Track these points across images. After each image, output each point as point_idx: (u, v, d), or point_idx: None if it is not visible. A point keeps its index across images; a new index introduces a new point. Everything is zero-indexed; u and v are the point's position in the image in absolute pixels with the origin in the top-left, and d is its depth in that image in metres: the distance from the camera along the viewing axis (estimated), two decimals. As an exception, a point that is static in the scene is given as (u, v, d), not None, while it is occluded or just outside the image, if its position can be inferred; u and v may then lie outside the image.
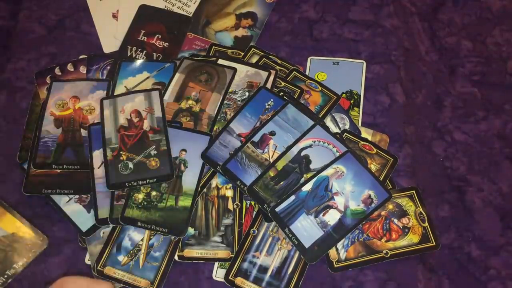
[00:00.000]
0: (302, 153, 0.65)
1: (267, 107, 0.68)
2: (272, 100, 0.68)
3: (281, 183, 0.64)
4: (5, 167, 0.70)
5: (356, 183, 0.63)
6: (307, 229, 0.62)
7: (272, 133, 0.66)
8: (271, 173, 0.64)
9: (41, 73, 0.75)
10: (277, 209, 0.62)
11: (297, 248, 0.61)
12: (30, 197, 0.66)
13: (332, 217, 0.62)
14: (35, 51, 0.79)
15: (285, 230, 0.61)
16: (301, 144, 0.65)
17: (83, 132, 0.68)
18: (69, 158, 0.66)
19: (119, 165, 0.65)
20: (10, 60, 0.78)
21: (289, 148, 0.65)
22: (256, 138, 0.66)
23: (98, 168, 0.65)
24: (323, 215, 0.62)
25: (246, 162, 0.65)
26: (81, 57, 0.77)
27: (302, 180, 0.64)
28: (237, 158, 0.65)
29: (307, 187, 0.63)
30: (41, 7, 0.83)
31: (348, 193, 0.63)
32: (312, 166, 0.64)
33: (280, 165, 0.65)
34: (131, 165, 0.65)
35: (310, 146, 0.65)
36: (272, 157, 0.65)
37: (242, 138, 0.66)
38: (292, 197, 0.63)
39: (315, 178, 0.64)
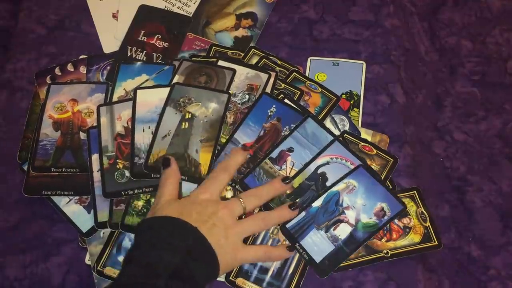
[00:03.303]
0: (319, 171, 0.64)
1: (269, 114, 0.68)
2: (274, 106, 0.68)
3: (297, 200, 0.63)
4: (5, 167, 0.70)
5: (367, 197, 0.63)
6: (317, 243, 0.61)
7: (290, 150, 0.65)
8: (287, 191, 0.64)
9: (41, 73, 0.75)
10: (287, 226, 0.62)
11: (308, 263, 0.61)
12: (30, 197, 0.66)
13: (343, 231, 0.62)
14: (35, 51, 0.79)
15: (295, 245, 0.61)
16: (319, 161, 0.65)
17: (82, 135, 0.68)
18: (68, 161, 0.66)
19: (116, 173, 0.64)
20: (10, 60, 0.78)
21: (306, 165, 0.64)
22: (274, 155, 0.65)
23: (98, 171, 0.65)
24: (334, 230, 0.62)
25: (263, 178, 0.64)
26: (81, 57, 0.77)
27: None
28: (254, 173, 0.64)
29: (317, 203, 0.63)
30: (41, 7, 0.82)
31: (360, 206, 0.63)
32: (328, 184, 0.64)
33: (296, 182, 0.64)
34: (127, 174, 0.64)
35: (328, 163, 0.65)
36: (289, 173, 0.64)
37: (248, 150, 0.66)
38: (303, 213, 0.62)
39: (325, 194, 0.63)
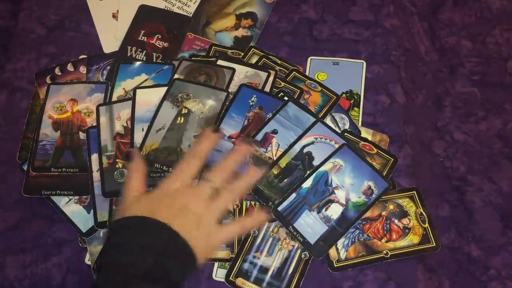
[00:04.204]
0: (305, 150, 0.65)
1: (251, 104, 0.68)
2: (254, 96, 0.68)
3: (285, 180, 0.64)
4: (5, 167, 0.70)
5: (355, 176, 0.64)
6: (310, 225, 0.62)
7: (274, 132, 0.66)
8: (275, 171, 0.64)
9: (41, 73, 0.75)
10: (279, 208, 0.62)
11: (303, 245, 0.61)
12: (30, 197, 0.66)
13: (334, 211, 0.62)
14: (35, 51, 0.79)
15: (289, 228, 0.62)
16: (303, 141, 0.66)
17: (82, 135, 0.68)
18: (68, 161, 0.66)
19: (115, 172, 0.64)
20: (10, 60, 0.78)
21: (291, 145, 0.65)
22: (258, 137, 0.66)
23: (97, 171, 0.65)
24: (326, 210, 0.62)
25: (250, 162, 0.65)
26: (81, 57, 0.77)
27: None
28: None
29: (307, 184, 0.64)
30: (41, 7, 0.82)
31: (348, 186, 0.63)
32: (315, 163, 0.65)
33: (283, 163, 0.65)
34: (127, 173, 0.64)
35: (312, 143, 0.66)
36: (275, 155, 0.65)
37: (233, 140, 0.66)
38: (293, 195, 0.63)
39: (314, 174, 0.64)
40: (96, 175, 0.65)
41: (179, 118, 0.66)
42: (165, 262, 0.50)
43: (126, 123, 0.67)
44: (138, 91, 0.69)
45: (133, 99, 0.68)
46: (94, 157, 0.66)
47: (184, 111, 0.66)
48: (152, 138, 0.65)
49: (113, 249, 0.52)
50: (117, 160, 0.65)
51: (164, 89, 0.68)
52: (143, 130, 0.66)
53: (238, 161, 0.60)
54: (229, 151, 0.62)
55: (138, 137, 0.66)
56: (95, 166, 0.65)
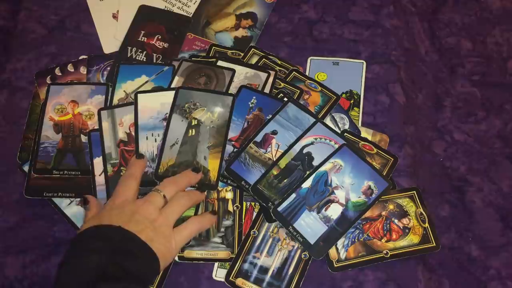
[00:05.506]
0: (305, 150, 0.66)
1: (251, 106, 0.68)
2: (254, 97, 0.69)
3: (285, 180, 0.64)
4: (6, 167, 0.69)
5: (355, 175, 0.64)
6: (310, 225, 0.62)
7: (274, 132, 0.66)
8: (274, 172, 0.64)
9: (41, 73, 0.75)
10: (279, 209, 0.62)
11: (303, 245, 0.61)
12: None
13: (334, 211, 0.62)
14: (35, 51, 0.79)
15: (289, 228, 0.62)
16: (303, 142, 0.66)
17: (83, 138, 0.68)
18: (70, 164, 0.66)
19: None
20: (10, 60, 0.78)
21: (291, 146, 0.65)
22: (258, 138, 0.66)
23: (100, 175, 0.65)
24: (325, 210, 0.63)
25: (249, 162, 0.65)
26: (81, 57, 0.77)
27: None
28: (240, 158, 0.65)
29: (306, 184, 0.64)
30: (41, 7, 0.82)
31: (348, 186, 0.64)
32: (314, 163, 0.65)
33: (282, 163, 0.65)
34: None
35: (312, 143, 0.66)
36: (275, 156, 0.65)
37: (233, 143, 0.66)
38: (293, 195, 0.63)
39: (313, 174, 0.64)
40: (98, 179, 0.65)
41: (190, 131, 0.66)
42: (122, 260, 0.50)
43: (129, 129, 0.67)
44: (139, 96, 0.68)
45: (135, 105, 0.67)
46: (96, 161, 0.66)
47: (194, 122, 0.66)
48: (167, 154, 0.65)
49: (63, 265, 0.52)
50: (121, 168, 0.65)
51: (165, 93, 0.68)
52: (147, 139, 0.66)
53: (187, 183, 0.62)
54: (185, 170, 0.63)
55: (143, 147, 0.65)
56: (97, 169, 0.65)
